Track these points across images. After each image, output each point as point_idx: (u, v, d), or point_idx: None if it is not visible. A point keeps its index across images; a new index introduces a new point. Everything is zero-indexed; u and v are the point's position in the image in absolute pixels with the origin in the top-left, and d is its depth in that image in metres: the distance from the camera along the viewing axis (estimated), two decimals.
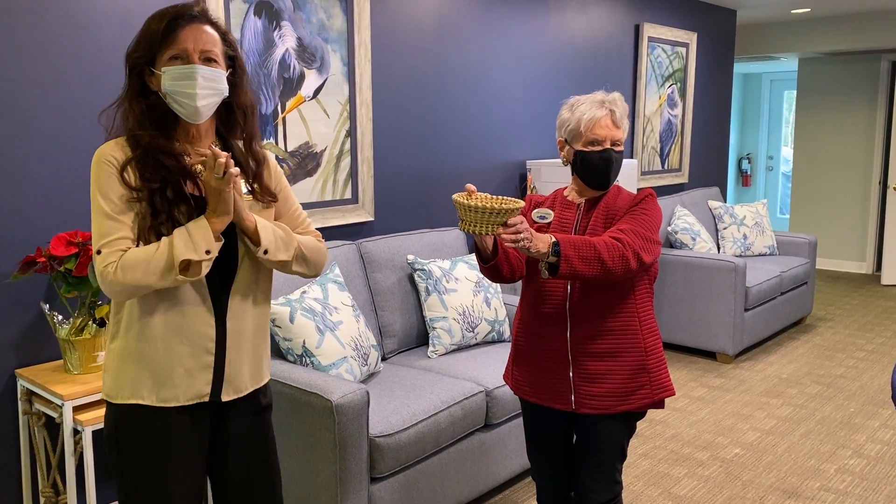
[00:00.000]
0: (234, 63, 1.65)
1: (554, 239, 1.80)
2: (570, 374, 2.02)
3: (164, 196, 1.55)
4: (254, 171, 1.70)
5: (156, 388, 1.61)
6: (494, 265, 1.96)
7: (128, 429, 1.62)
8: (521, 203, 1.73)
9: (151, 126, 1.57)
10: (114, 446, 1.64)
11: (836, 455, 3.43)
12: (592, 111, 2.02)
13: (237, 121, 1.68)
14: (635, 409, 2.01)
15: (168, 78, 1.53)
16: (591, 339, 1.99)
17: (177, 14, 1.55)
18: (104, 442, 1.66)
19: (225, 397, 1.67)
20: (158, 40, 1.54)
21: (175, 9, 1.56)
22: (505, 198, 1.79)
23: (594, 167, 2.02)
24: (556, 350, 2.03)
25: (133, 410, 1.62)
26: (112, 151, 1.56)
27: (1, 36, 2.40)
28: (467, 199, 1.73)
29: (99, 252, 1.53)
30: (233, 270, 1.65)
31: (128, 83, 1.58)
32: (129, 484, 1.63)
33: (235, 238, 1.64)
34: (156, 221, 1.54)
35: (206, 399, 1.65)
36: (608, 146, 2.01)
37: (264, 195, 1.70)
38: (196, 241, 1.52)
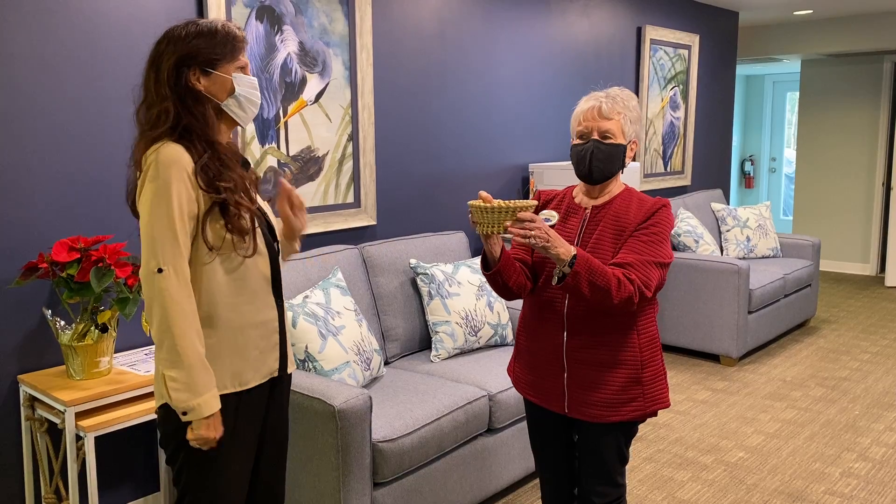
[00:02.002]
0: None
1: (575, 252, 1.79)
2: (564, 378, 2.01)
3: (236, 191, 1.66)
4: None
5: (237, 374, 1.72)
6: (497, 272, 1.94)
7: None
8: (534, 202, 1.77)
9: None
10: (182, 442, 1.68)
11: (841, 458, 3.42)
12: (582, 105, 2.02)
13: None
14: (626, 421, 1.99)
15: (245, 85, 1.72)
16: (586, 347, 1.97)
17: (241, 34, 1.73)
18: (164, 441, 1.73)
19: (290, 369, 1.87)
20: (234, 51, 1.70)
21: (236, 27, 1.73)
22: (516, 200, 1.84)
23: (576, 160, 2.01)
24: (552, 353, 2.02)
25: None
26: (180, 154, 1.61)
27: (3, 41, 2.41)
28: (480, 203, 1.80)
29: (160, 270, 1.57)
30: (276, 253, 1.82)
31: (173, 81, 1.65)
32: (195, 471, 1.70)
33: (268, 219, 1.81)
34: (230, 216, 1.64)
35: (276, 374, 1.81)
36: (594, 138, 1.98)
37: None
38: (207, 396, 1.62)
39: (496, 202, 1.80)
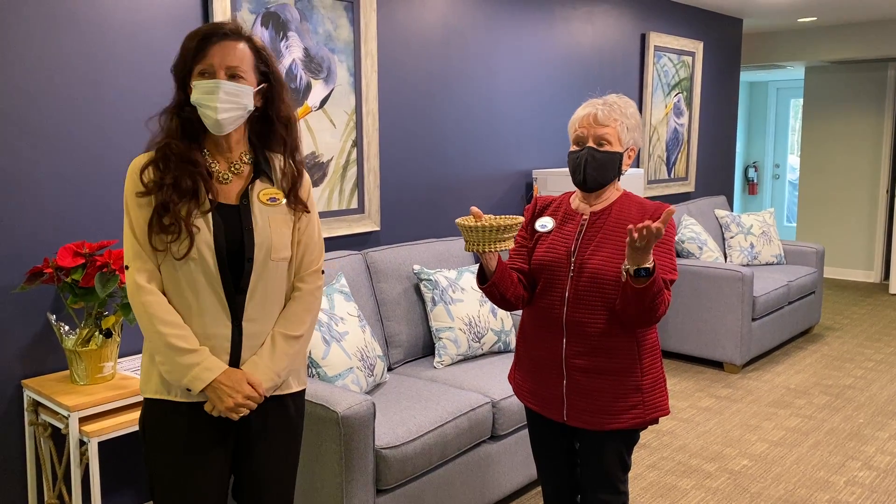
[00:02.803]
0: (268, 77, 1.73)
1: (653, 264, 1.75)
2: (563, 386, 2.00)
3: (174, 189, 1.63)
4: (290, 183, 1.77)
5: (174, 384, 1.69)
6: (493, 285, 1.95)
7: (154, 422, 1.72)
8: (521, 219, 1.81)
9: (183, 136, 1.68)
10: (143, 437, 1.75)
11: (846, 467, 3.40)
12: (579, 112, 2.02)
13: (278, 133, 1.76)
14: (626, 428, 1.98)
15: (197, 91, 1.64)
16: (585, 355, 1.96)
17: (209, 32, 1.65)
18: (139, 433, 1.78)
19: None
20: (191, 56, 1.65)
21: (209, 27, 1.66)
22: (505, 216, 1.86)
23: (572, 167, 2.01)
24: (551, 361, 2.01)
25: (159, 405, 1.72)
26: (138, 161, 1.69)
27: (10, 45, 2.41)
28: (467, 222, 1.81)
29: (127, 267, 1.67)
30: (246, 272, 1.71)
31: (175, 95, 1.70)
32: (156, 474, 1.73)
33: (245, 238, 1.70)
34: (160, 218, 1.63)
35: None
36: (589, 144, 1.97)
37: (297, 205, 1.77)
38: (183, 376, 1.63)
39: (486, 217, 1.82)
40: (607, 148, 1.97)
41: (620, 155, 1.99)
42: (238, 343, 1.71)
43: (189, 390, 1.65)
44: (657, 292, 1.79)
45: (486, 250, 1.80)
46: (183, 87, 1.68)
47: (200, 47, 1.64)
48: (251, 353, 1.73)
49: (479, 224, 1.78)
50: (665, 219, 1.69)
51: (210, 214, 1.67)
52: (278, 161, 1.78)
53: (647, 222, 1.66)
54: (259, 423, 1.78)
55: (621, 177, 2.03)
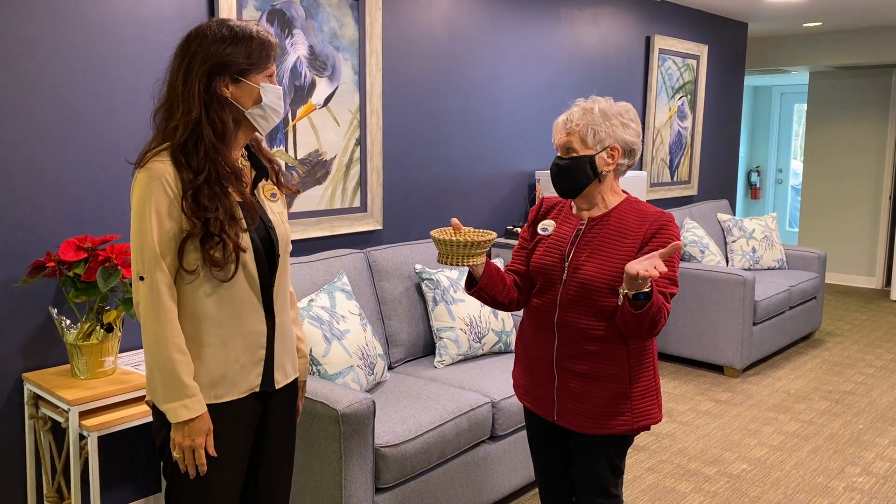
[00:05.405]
0: None
1: (649, 289, 1.75)
2: (554, 387, 2.01)
3: (219, 221, 1.60)
4: (276, 170, 1.83)
5: (211, 386, 1.68)
6: (480, 290, 1.97)
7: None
8: (493, 234, 1.87)
9: (218, 147, 1.64)
10: (166, 444, 1.69)
11: (845, 472, 3.40)
12: (557, 119, 2.03)
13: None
14: (614, 435, 1.98)
15: (270, 94, 1.68)
16: (575, 358, 1.96)
17: (274, 40, 1.70)
18: (154, 439, 1.74)
19: (277, 385, 1.79)
20: (268, 59, 1.67)
21: (269, 33, 1.69)
22: (480, 231, 1.92)
23: (551, 178, 2.02)
24: (544, 361, 2.02)
25: None
26: (167, 172, 1.59)
27: (13, 38, 2.42)
28: (441, 235, 1.87)
29: (142, 279, 1.60)
30: (275, 266, 1.75)
31: (203, 87, 1.60)
32: (178, 476, 1.69)
33: (272, 235, 1.74)
34: (206, 247, 1.60)
35: (257, 389, 1.75)
36: (557, 155, 1.99)
37: (287, 188, 1.86)
38: (168, 402, 1.60)
39: (465, 230, 1.86)
40: (572, 154, 1.96)
41: (591, 157, 1.92)
42: (272, 336, 1.75)
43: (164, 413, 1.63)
44: (656, 312, 1.78)
45: (456, 264, 1.83)
46: (210, 87, 1.61)
47: (272, 53, 1.68)
48: (281, 344, 1.78)
49: (450, 238, 1.83)
50: (666, 253, 1.70)
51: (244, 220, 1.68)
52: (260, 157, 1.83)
53: (648, 264, 1.67)
54: (277, 417, 1.82)
55: (601, 177, 1.95)
